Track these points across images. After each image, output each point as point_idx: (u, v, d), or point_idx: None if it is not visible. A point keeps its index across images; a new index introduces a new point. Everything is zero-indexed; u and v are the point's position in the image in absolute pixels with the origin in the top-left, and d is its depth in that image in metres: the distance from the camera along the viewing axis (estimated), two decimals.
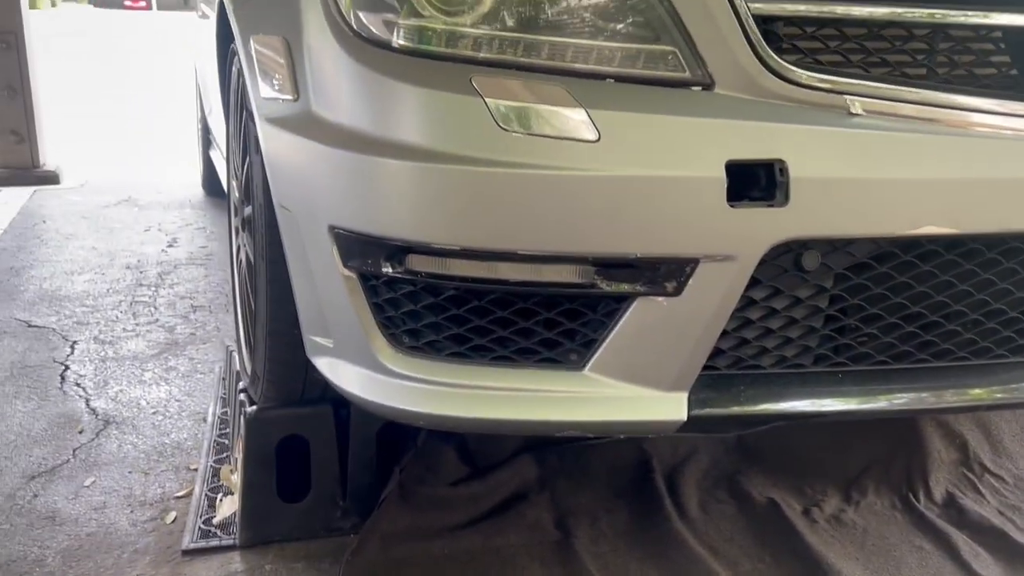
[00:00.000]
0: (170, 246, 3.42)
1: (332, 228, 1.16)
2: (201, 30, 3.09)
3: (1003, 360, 1.24)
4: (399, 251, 1.12)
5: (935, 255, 1.16)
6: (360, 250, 1.15)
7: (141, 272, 3.07)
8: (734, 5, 1.10)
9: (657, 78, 1.12)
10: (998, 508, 1.72)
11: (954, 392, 1.23)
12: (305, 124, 1.20)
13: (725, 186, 1.06)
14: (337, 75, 1.18)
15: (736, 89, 1.11)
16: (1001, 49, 1.20)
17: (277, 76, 1.28)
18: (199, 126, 4.08)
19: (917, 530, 1.64)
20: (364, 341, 1.19)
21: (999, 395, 1.24)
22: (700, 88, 1.11)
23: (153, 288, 2.90)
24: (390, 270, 1.14)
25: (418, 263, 1.12)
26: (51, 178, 4.44)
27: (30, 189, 4.29)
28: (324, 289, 1.22)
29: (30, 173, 4.41)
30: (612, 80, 1.11)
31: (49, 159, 4.57)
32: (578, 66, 1.12)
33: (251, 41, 1.36)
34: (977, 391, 1.24)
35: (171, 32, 17.54)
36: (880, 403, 1.21)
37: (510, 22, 1.13)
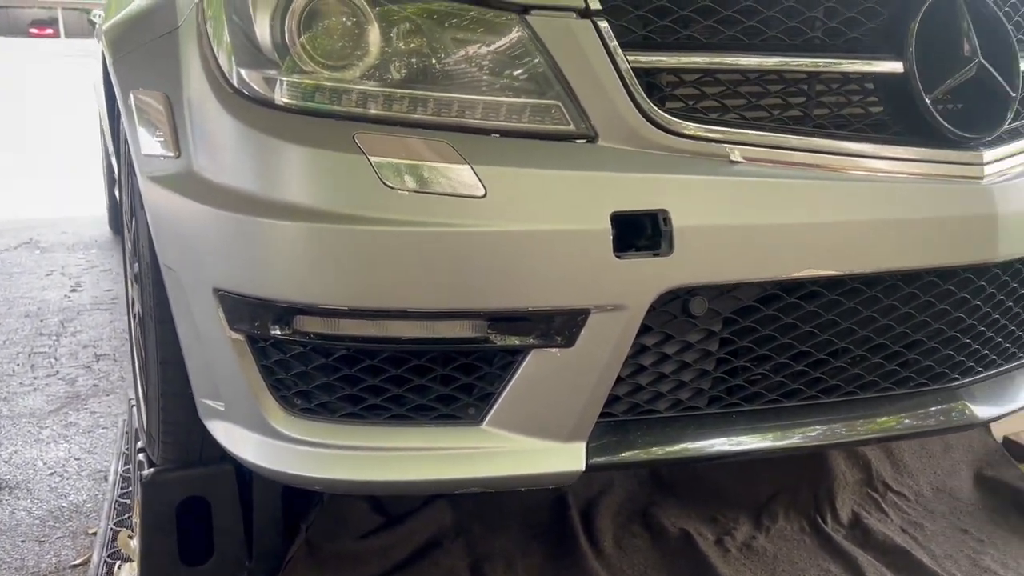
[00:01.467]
0: (74, 291, 3.29)
1: (217, 290, 1.13)
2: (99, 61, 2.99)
3: (890, 393, 1.28)
4: (287, 313, 1.10)
5: (818, 295, 1.20)
6: (247, 313, 1.12)
7: (41, 320, 2.94)
8: (614, 59, 1.11)
9: (542, 132, 1.12)
10: (901, 526, 1.77)
11: (864, 422, 1.26)
12: (187, 183, 1.17)
13: (611, 237, 1.07)
14: (219, 133, 1.15)
15: (619, 141, 1.13)
16: (873, 95, 1.24)
17: (158, 133, 1.24)
18: (104, 162, 3.95)
19: (825, 553, 1.68)
20: (255, 405, 1.16)
21: (908, 423, 1.28)
22: (584, 141, 1.13)
23: (54, 337, 2.78)
24: (278, 332, 1.11)
25: (307, 324, 1.10)
26: None
27: None
28: (212, 352, 1.19)
29: None
30: (498, 135, 1.12)
31: None
32: (463, 121, 1.11)
33: (131, 96, 1.32)
34: (887, 420, 1.28)
35: (80, 61, 17.00)
36: (795, 438, 1.24)
37: (394, 77, 1.12)
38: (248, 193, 1.10)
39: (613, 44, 1.11)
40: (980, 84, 1.23)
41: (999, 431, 2.02)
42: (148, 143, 1.27)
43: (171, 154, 1.21)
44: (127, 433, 2.06)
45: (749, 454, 1.21)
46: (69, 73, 14.92)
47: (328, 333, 1.10)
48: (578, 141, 1.13)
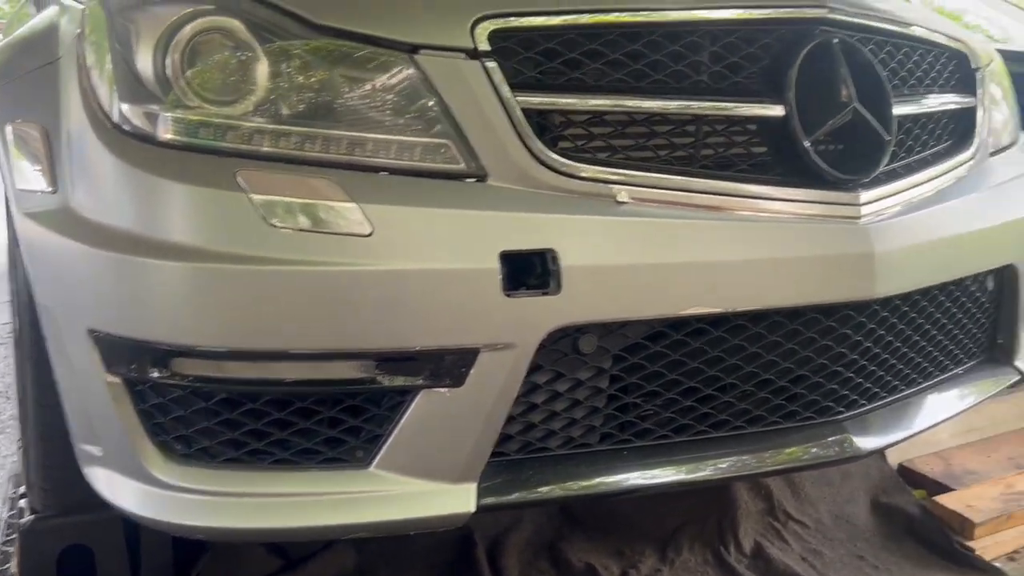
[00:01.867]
0: None
1: (92, 331, 1.09)
2: None
3: (778, 427, 1.31)
4: (165, 355, 1.06)
5: (705, 332, 1.22)
6: (124, 355, 1.08)
7: None
8: (503, 99, 1.12)
9: (431, 170, 1.12)
10: (801, 554, 1.80)
11: (772, 454, 1.28)
12: (63, 220, 1.13)
13: (500, 276, 1.07)
14: (97, 170, 1.11)
15: (509, 181, 1.13)
16: (757, 137, 1.28)
17: (35, 167, 1.20)
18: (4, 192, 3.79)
19: None
20: (133, 450, 1.11)
21: (816, 452, 1.30)
22: (474, 180, 1.13)
23: None
24: (157, 375, 1.08)
25: (186, 367, 1.07)
26: None
27: None
28: (89, 395, 1.14)
29: None
30: (386, 172, 1.11)
31: None
32: (352, 158, 1.11)
33: (8, 127, 1.27)
34: (794, 451, 1.30)
35: None
36: (706, 471, 1.24)
37: (282, 113, 1.11)
38: (127, 231, 1.07)
39: (502, 85, 1.12)
40: (857, 128, 1.29)
41: (895, 458, 2.09)
42: (24, 177, 1.22)
43: (48, 189, 1.17)
44: (16, 476, 1.95)
45: (641, 490, 1.22)
46: None
47: (208, 376, 1.07)
48: (468, 180, 1.13)
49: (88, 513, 1.42)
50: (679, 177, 1.20)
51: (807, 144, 1.24)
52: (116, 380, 1.10)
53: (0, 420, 2.33)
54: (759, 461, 1.26)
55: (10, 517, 1.82)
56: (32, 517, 1.43)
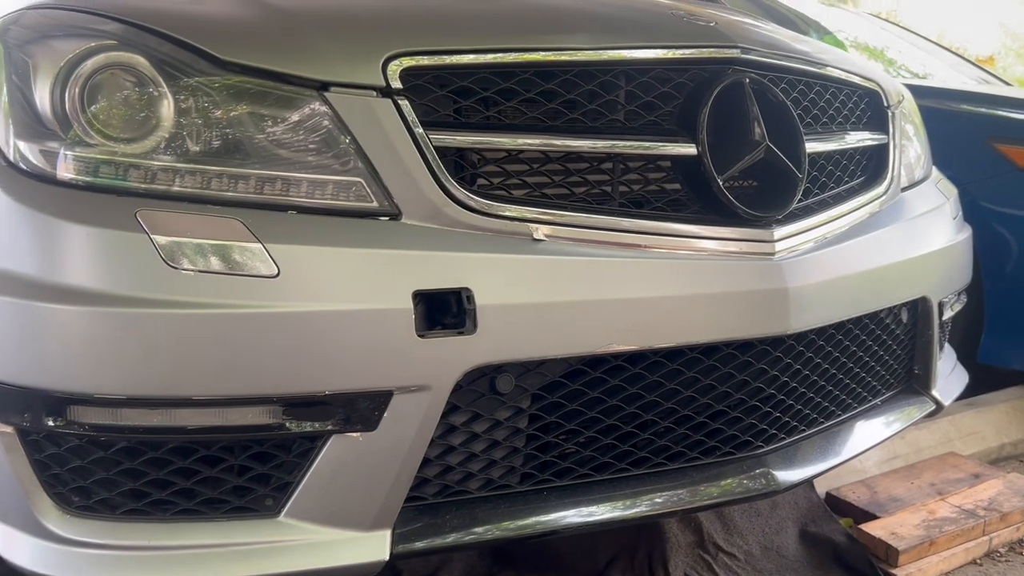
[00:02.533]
0: None
1: None
2: None
3: (697, 462, 1.31)
4: (60, 403, 1.02)
5: (622, 370, 1.21)
6: (16, 403, 1.03)
7: None
8: (415, 137, 1.11)
9: (342, 208, 1.10)
10: None
11: (706, 486, 1.28)
12: None
13: (414, 316, 1.05)
14: None
15: (422, 219, 1.12)
16: (671, 175, 1.30)
17: None
18: None
19: None
20: (26, 503, 1.05)
21: (747, 484, 1.31)
22: (387, 218, 1.11)
23: None
24: (52, 424, 1.03)
25: (83, 415, 1.02)
26: None
27: None
28: None
29: None
30: (295, 211, 1.09)
31: None
32: (259, 197, 1.08)
33: None
34: (728, 483, 1.30)
35: None
36: (641, 507, 1.23)
37: (187, 151, 1.08)
38: (19, 275, 1.02)
39: (414, 123, 1.11)
40: (769, 166, 1.31)
41: (823, 486, 2.11)
42: None
43: None
44: None
45: (563, 530, 1.20)
46: None
47: (107, 424, 1.02)
48: (380, 218, 1.11)
49: None
50: (595, 215, 1.20)
51: (720, 182, 1.25)
52: (8, 430, 1.04)
53: None
54: (693, 495, 1.25)
55: None
56: None
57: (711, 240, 1.25)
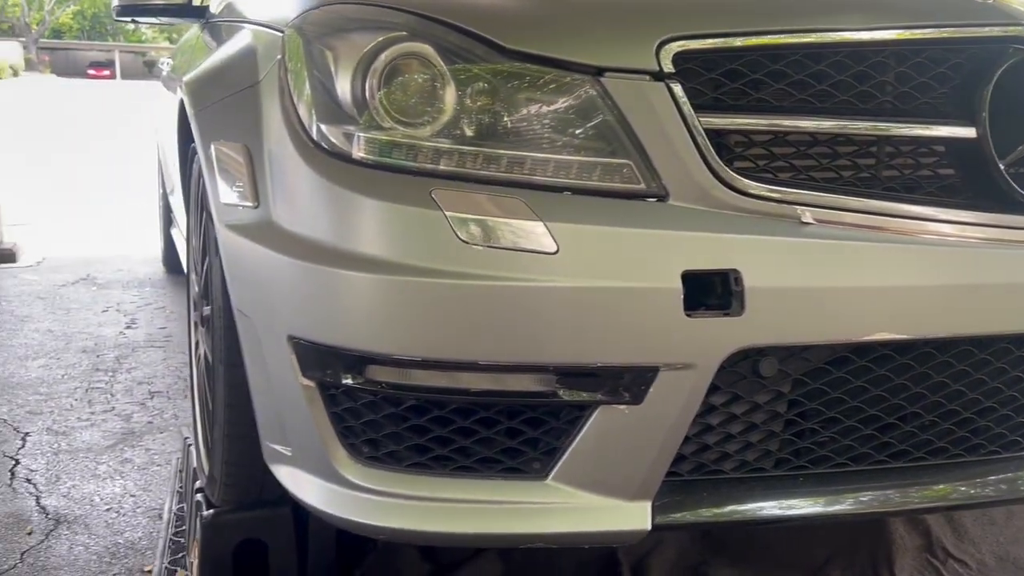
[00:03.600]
0: (129, 327, 3.36)
1: (291, 338, 1.15)
2: (165, 106, 3.08)
3: (960, 459, 1.25)
4: (359, 362, 1.12)
5: (889, 359, 1.18)
6: (320, 360, 1.14)
7: (98, 356, 3.01)
8: (686, 120, 1.13)
9: (613, 190, 1.14)
10: None
11: (919, 489, 1.24)
12: (265, 233, 1.20)
13: (682, 296, 1.08)
14: (297, 185, 1.18)
15: (690, 200, 1.14)
16: (944, 159, 1.24)
17: (238, 183, 1.28)
18: (161, 202, 4.06)
19: None
20: (323, 451, 1.17)
21: (968, 491, 1.25)
22: (655, 200, 1.14)
23: (110, 373, 2.84)
24: (350, 380, 1.13)
25: (378, 373, 1.12)
26: (7, 256, 4.37)
27: None
28: (282, 397, 1.21)
29: None
30: (569, 192, 1.13)
31: (5, 236, 4.50)
32: (536, 178, 1.14)
33: (212, 147, 1.36)
34: (943, 488, 1.25)
35: (135, 102, 17.56)
36: (846, 504, 1.21)
37: (469, 134, 1.15)
38: (325, 244, 1.13)
39: (686, 106, 1.13)
40: None
41: None
42: (227, 192, 1.31)
43: (250, 204, 1.25)
44: (181, 472, 2.08)
45: (820, 518, 1.19)
46: (124, 115, 15.42)
47: (399, 383, 1.12)
48: (649, 200, 1.14)
49: (264, 509, 1.51)
50: (864, 199, 1.17)
51: (1002, 167, 1.19)
52: (311, 384, 1.16)
53: (163, 419, 2.48)
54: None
55: (179, 510, 1.94)
56: (212, 511, 1.52)
57: (987, 227, 1.19)
